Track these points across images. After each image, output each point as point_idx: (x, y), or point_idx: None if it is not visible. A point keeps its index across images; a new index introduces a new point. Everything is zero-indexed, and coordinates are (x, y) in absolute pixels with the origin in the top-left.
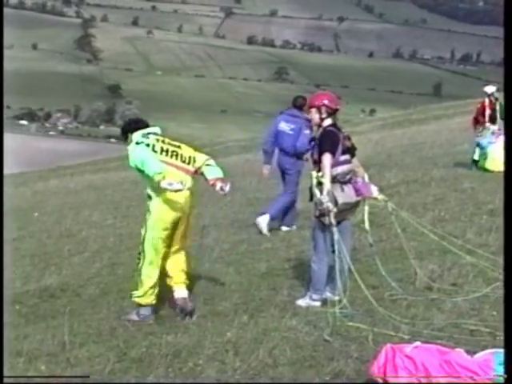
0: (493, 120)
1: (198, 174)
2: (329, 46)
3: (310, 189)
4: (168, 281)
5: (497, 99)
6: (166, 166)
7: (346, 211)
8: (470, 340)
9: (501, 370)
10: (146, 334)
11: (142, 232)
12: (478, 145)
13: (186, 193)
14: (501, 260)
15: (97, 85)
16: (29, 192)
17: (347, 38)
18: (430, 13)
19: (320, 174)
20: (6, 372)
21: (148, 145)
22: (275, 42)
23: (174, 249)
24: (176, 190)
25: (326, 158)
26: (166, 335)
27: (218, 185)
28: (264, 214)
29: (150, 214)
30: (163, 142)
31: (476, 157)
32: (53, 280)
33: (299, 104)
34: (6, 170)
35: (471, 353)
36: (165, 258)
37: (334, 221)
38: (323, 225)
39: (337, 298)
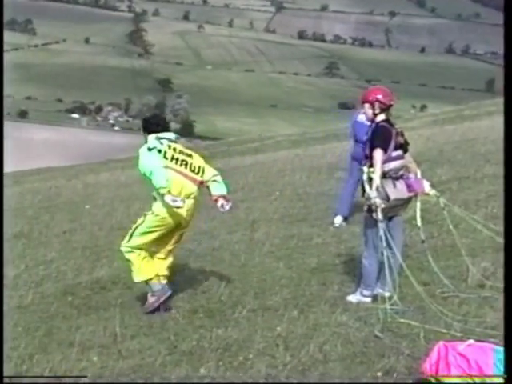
0: None
1: (203, 186)
2: (380, 41)
3: (362, 184)
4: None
5: None
6: (175, 173)
7: (397, 207)
8: None
9: (500, 366)
10: (197, 328)
11: (139, 221)
12: None
13: (190, 201)
14: None
15: (147, 79)
16: (80, 185)
17: (398, 33)
18: (483, 7)
19: (371, 169)
20: (6, 372)
21: (160, 151)
22: (326, 36)
23: (167, 248)
24: (177, 207)
25: (378, 154)
26: (217, 329)
27: (220, 202)
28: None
29: (152, 214)
30: (175, 149)
31: None
32: (104, 272)
33: None
34: (57, 163)
35: None
36: (157, 255)
37: (381, 216)
38: (374, 220)
39: (387, 294)
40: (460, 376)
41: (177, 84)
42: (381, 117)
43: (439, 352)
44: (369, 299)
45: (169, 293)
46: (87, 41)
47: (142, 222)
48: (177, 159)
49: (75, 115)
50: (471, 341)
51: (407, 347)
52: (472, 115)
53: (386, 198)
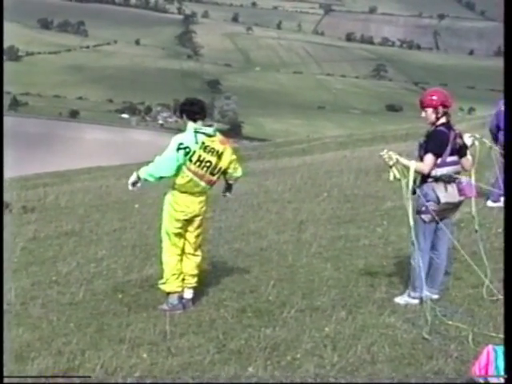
0: None
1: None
2: (428, 43)
3: (414, 184)
4: (175, 281)
5: None
6: (191, 174)
7: (447, 210)
8: None
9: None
10: (245, 327)
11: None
12: None
13: (201, 197)
14: None
15: (196, 80)
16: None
17: (447, 35)
18: None
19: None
20: (6, 372)
21: (187, 153)
22: (374, 39)
23: (187, 251)
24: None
25: (429, 159)
26: (265, 328)
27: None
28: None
29: (164, 207)
30: (206, 148)
31: None
32: (153, 271)
33: None
34: (107, 162)
35: None
36: (180, 259)
37: (428, 219)
38: (422, 222)
39: (435, 296)
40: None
41: (225, 85)
42: (442, 120)
43: (488, 355)
44: (417, 301)
45: (179, 311)
46: (137, 42)
47: (162, 223)
48: (202, 161)
49: (125, 115)
50: None
51: (456, 350)
52: None
53: (437, 201)
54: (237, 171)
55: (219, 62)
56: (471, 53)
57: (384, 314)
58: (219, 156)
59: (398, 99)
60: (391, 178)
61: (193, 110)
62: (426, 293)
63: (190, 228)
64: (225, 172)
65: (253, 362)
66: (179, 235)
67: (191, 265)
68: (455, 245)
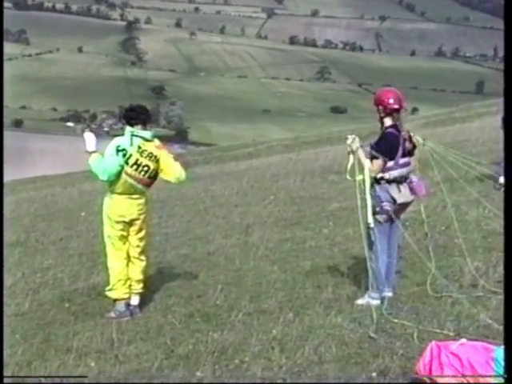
0: None
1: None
2: (371, 45)
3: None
4: (122, 287)
5: None
6: (128, 178)
7: (400, 210)
8: None
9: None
10: (193, 332)
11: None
12: None
13: (139, 200)
14: None
15: (141, 86)
16: (76, 192)
17: (389, 37)
18: (472, 10)
19: (380, 174)
20: (6, 372)
21: (125, 155)
22: (317, 41)
23: (132, 255)
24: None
25: (378, 164)
26: (213, 333)
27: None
28: None
29: (102, 211)
30: (143, 152)
31: None
32: (100, 279)
33: None
34: (53, 171)
35: None
36: (126, 264)
37: (383, 219)
38: (378, 223)
39: (390, 294)
40: (453, 376)
41: (170, 91)
42: (387, 121)
43: (432, 352)
44: (377, 301)
45: (126, 318)
46: (80, 50)
47: (103, 228)
48: (139, 165)
49: (70, 123)
50: (463, 340)
51: (401, 347)
52: (463, 117)
53: (393, 202)
54: (181, 176)
55: (163, 68)
56: (413, 54)
57: (331, 314)
58: (157, 160)
59: (342, 101)
60: (349, 165)
61: (129, 116)
62: (388, 294)
63: (132, 231)
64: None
65: (201, 367)
66: (121, 239)
67: (137, 270)
68: (402, 243)
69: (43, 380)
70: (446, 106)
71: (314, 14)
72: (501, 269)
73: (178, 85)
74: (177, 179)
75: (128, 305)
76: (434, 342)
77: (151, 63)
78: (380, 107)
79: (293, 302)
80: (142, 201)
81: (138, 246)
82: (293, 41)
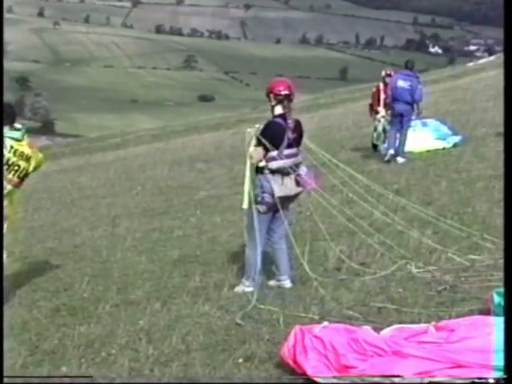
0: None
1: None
2: (236, 33)
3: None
4: None
5: (386, 84)
6: None
7: (284, 202)
8: (378, 317)
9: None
10: (59, 326)
11: None
12: (375, 129)
13: (6, 200)
14: (406, 237)
15: (4, 77)
16: None
17: (254, 25)
18: None
19: (262, 163)
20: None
21: None
22: (183, 30)
23: None
24: None
25: (257, 153)
26: (79, 326)
27: None
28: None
29: None
30: (15, 152)
31: (375, 141)
32: None
33: (410, 66)
34: None
35: (378, 329)
36: None
37: (263, 209)
38: (257, 212)
39: (289, 284)
40: (317, 359)
41: (35, 82)
42: (278, 109)
43: (296, 336)
44: (251, 289)
45: None
46: None
47: None
48: (10, 165)
49: None
50: (326, 323)
51: (267, 332)
52: (327, 103)
53: (272, 194)
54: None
55: (27, 59)
56: (278, 41)
57: (198, 302)
58: (27, 159)
59: (209, 89)
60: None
61: None
62: (285, 282)
63: None
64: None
65: (66, 362)
66: None
67: None
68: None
69: (45, 380)
70: (311, 93)
71: (180, 2)
72: (363, 251)
73: (42, 76)
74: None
75: None
76: (297, 327)
77: (14, 54)
78: (271, 95)
79: (160, 292)
80: (8, 199)
81: None
82: (159, 30)
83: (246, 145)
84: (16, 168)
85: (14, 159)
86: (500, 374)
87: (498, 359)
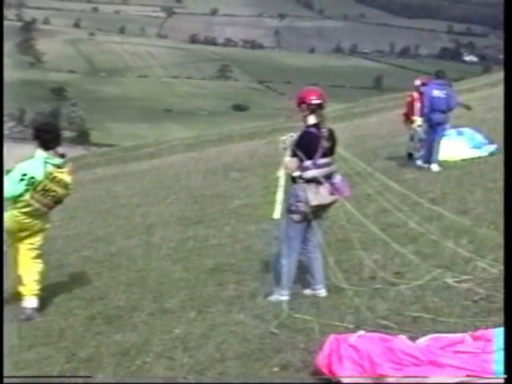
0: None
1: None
2: (270, 42)
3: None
4: (21, 288)
5: (421, 93)
6: (34, 202)
7: (319, 210)
8: (413, 326)
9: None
10: (95, 334)
11: None
12: (412, 138)
13: (41, 217)
14: (441, 247)
15: (40, 88)
16: None
17: (288, 34)
18: (367, 7)
19: (297, 173)
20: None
21: (32, 183)
22: (217, 40)
23: (27, 257)
24: None
25: (292, 163)
26: (115, 334)
27: None
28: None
29: (5, 224)
30: (53, 179)
31: (410, 150)
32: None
33: (442, 75)
34: None
35: (414, 339)
36: (19, 264)
37: (298, 219)
38: (292, 221)
39: (323, 294)
40: (352, 368)
41: (71, 92)
42: (311, 119)
43: (331, 345)
44: (286, 298)
45: (32, 318)
46: None
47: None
48: (46, 190)
49: None
50: (361, 332)
51: (302, 341)
52: (361, 112)
53: (307, 203)
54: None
55: (63, 69)
56: (312, 51)
57: (233, 311)
58: (65, 186)
59: (243, 99)
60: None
61: (46, 139)
62: (320, 292)
63: (30, 240)
64: None
65: (102, 369)
66: (16, 247)
67: (34, 269)
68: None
69: (44, 380)
70: (345, 102)
71: (214, 12)
72: (398, 261)
73: (78, 86)
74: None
75: (29, 307)
76: (332, 336)
77: (50, 64)
78: (303, 105)
79: (195, 301)
80: (43, 219)
81: (32, 250)
82: (193, 39)
83: (280, 152)
84: (53, 194)
85: (50, 185)
86: None
87: None
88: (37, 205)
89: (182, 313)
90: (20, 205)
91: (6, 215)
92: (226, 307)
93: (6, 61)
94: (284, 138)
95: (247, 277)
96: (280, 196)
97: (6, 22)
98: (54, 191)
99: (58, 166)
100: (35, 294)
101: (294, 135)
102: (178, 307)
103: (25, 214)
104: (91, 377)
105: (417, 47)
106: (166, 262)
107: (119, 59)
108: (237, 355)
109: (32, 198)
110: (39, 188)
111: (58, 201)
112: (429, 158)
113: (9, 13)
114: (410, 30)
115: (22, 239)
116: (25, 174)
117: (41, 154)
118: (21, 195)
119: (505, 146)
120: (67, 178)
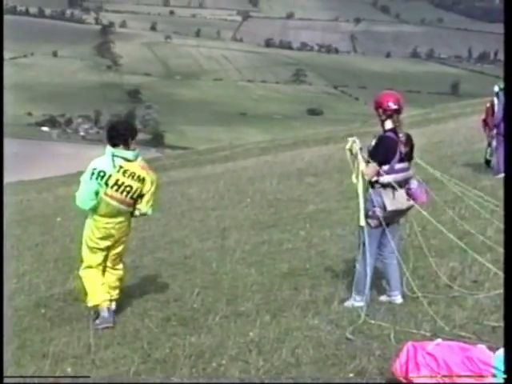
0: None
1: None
2: (346, 47)
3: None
4: (100, 296)
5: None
6: (110, 199)
7: (395, 215)
8: (492, 336)
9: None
10: (170, 336)
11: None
12: (490, 145)
13: (120, 218)
14: None
15: (116, 90)
16: (51, 197)
17: (364, 39)
18: (446, 12)
19: (374, 178)
20: (6, 372)
21: (103, 177)
22: (292, 44)
23: (109, 265)
24: None
25: (371, 169)
26: (190, 336)
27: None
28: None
29: (84, 232)
30: (125, 172)
31: (488, 156)
32: (77, 284)
33: None
34: (28, 176)
35: (493, 349)
36: (103, 271)
37: (374, 224)
38: (369, 226)
39: (399, 300)
40: (430, 376)
41: (146, 95)
42: (388, 124)
43: (408, 352)
44: (362, 303)
45: (110, 324)
46: (55, 54)
47: (83, 244)
48: (120, 185)
49: (45, 128)
50: (439, 340)
51: (378, 348)
52: (438, 118)
53: (383, 208)
54: (147, 206)
55: (139, 72)
56: (388, 55)
57: (308, 316)
58: (141, 180)
59: (318, 103)
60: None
61: (110, 135)
62: (396, 298)
63: (112, 249)
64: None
65: (178, 371)
66: (99, 256)
67: (112, 277)
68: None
69: (43, 380)
70: (422, 107)
71: (289, 16)
72: (476, 269)
73: (153, 88)
74: (141, 213)
75: (109, 310)
76: (410, 343)
77: (127, 67)
78: (380, 110)
79: (270, 305)
80: (126, 223)
81: (114, 259)
82: (268, 43)
83: (347, 153)
84: (128, 189)
85: (123, 179)
86: None
87: None
88: (113, 202)
89: (256, 316)
90: (98, 208)
91: (86, 224)
92: (301, 312)
93: (84, 64)
94: (348, 146)
95: (322, 282)
96: (362, 203)
97: (84, 26)
98: (128, 185)
99: (128, 160)
100: (114, 299)
101: (357, 140)
102: (252, 311)
103: (104, 216)
104: (89, 377)
105: (496, 52)
106: (240, 266)
107: (194, 62)
108: (312, 360)
109: (106, 194)
110: (111, 183)
111: (134, 197)
112: (499, 167)
113: (88, 16)
114: (490, 34)
115: (106, 249)
116: (95, 168)
117: (109, 149)
118: (94, 198)
119: (505, 148)
120: (140, 172)
